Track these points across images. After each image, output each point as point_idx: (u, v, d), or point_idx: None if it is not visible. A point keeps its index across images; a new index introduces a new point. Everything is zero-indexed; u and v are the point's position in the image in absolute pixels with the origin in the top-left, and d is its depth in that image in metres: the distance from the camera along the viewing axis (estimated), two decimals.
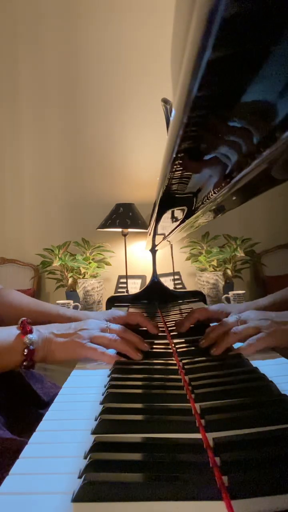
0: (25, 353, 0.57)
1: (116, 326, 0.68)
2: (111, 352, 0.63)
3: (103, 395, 0.47)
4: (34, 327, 0.61)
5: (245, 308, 0.76)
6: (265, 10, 0.15)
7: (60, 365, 0.62)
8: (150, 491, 0.28)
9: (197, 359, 0.59)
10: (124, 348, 0.63)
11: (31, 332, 0.59)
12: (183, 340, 0.72)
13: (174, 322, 0.90)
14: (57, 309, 0.81)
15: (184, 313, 1.04)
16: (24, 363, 0.57)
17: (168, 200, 0.64)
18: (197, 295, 1.29)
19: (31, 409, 0.64)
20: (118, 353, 0.64)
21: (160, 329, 0.83)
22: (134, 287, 2.24)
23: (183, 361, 0.58)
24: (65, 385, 0.53)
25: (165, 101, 0.65)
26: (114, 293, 2.01)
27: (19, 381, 0.68)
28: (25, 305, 0.82)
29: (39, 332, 0.60)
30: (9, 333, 0.58)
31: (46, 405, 0.66)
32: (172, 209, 0.78)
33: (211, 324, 0.76)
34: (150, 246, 1.36)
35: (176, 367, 0.57)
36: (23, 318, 0.61)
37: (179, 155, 0.37)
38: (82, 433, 0.38)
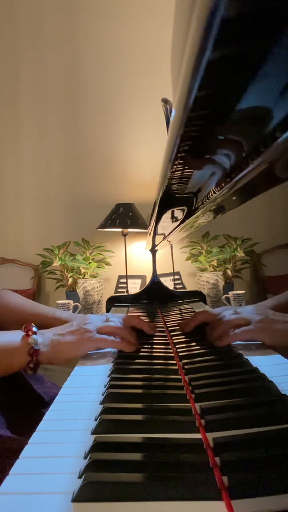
0: (30, 353, 0.57)
1: (116, 319, 0.69)
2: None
3: (103, 395, 0.47)
4: (38, 331, 0.61)
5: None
6: (265, 10, 0.15)
7: (61, 365, 0.63)
8: (150, 491, 0.28)
9: (197, 359, 0.59)
10: (128, 336, 0.64)
11: (35, 333, 0.60)
12: (183, 340, 0.72)
13: (174, 322, 0.90)
14: (53, 312, 0.81)
15: (184, 313, 1.04)
16: (30, 364, 0.58)
17: (168, 200, 0.64)
18: (197, 295, 1.29)
19: (31, 409, 0.64)
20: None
21: (160, 329, 0.83)
22: (134, 287, 2.24)
23: (183, 361, 0.58)
24: (65, 385, 0.53)
25: (165, 101, 0.65)
26: (114, 293, 2.01)
27: (19, 380, 0.68)
28: (20, 307, 0.81)
29: (43, 335, 0.61)
30: (14, 335, 0.59)
31: (46, 405, 0.66)
32: (172, 209, 0.78)
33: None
34: (150, 246, 1.36)
35: (176, 367, 0.57)
36: (27, 323, 0.61)
37: (179, 155, 0.37)
38: (82, 433, 0.38)
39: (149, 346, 0.69)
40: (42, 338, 0.60)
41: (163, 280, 1.29)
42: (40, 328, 0.65)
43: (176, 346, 0.68)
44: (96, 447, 0.33)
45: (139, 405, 0.42)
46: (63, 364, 0.62)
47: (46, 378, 0.75)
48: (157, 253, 1.37)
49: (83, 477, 0.29)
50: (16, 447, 0.47)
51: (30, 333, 0.59)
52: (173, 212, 0.80)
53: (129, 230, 2.24)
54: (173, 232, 0.98)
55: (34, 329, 0.60)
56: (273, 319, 0.64)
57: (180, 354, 0.63)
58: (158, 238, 1.25)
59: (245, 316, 0.66)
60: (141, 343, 0.69)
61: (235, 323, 0.66)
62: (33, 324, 0.61)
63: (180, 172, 0.45)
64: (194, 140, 0.33)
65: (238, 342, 0.71)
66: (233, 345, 0.67)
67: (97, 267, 2.24)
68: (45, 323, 0.72)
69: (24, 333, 0.59)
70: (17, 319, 0.62)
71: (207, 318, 0.81)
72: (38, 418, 0.42)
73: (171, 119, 0.32)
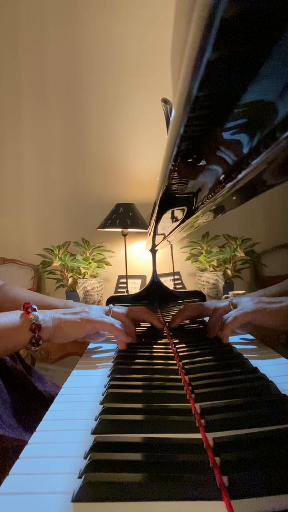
0: (31, 328, 0.59)
1: (118, 309, 0.72)
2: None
3: (103, 395, 0.47)
4: (39, 310, 0.63)
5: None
6: (265, 10, 0.15)
7: (60, 365, 0.63)
8: (150, 491, 0.28)
9: (197, 359, 0.59)
10: (119, 334, 0.66)
11: (35, 310, 0.61)
12: (183, 340, 0.72)
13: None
14: (64, 303, 0.83)
15: None
16: (33, 340, 0.59)
17: (168, 200, 0.65)
18: (197, 295, 1.29)
19: (32, 408, 0.64)
20: None
21: None
22: (134, 287, 2.24)
23: (183, 361, 0.58)
24: (65, 385, 0.53)
25: (165, 101, 0.65)
26: (114, 293, 2.01)
27: (20, 378, 0.68)
28: (29, 299, 0.82)
29: (44, 313, 0.62)
30: (14, 314, 0.60)
31: (46, 404, 0.66)
32: (172, 209, 0.78)
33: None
34: (150, 246, 1.36)
35: (176, 367, 0.57)
36: (25, 302, 0.63)
37: (179, 155, 0.37)
38: (82, 433, 0.38)
39: (149, 346, 0.69)
40: (43, 315, 0.62)
41: (163, 280, 1.29)
42: None
43: (176, 346, 0.68)
44: (96, 447, 0.33)
45: (139, 405, 0.42)
46: (62, 342, 0.63)
47: (46, 378, 0.75)
48: (157, 253, 1.37)
49: (83, 477, 0.29)
50: (16, 447, 0.47)
51: (30, 310, 0.60)
52: (173, 212, 0.80)
53: (129, 230, 2.24)
54: (173, 232, 0.98)
55: (34, 306, 0.61)
56: (269, 301, 0.67)
57: (180, 354, 0.63)
58: (158, 238, 1.25)
59: (240, 306, 0.68)
60: (141, 342, 0.70)
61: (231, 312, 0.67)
62: (31, 303, 0.62)
63: (180, 172, 0.45)
64: (194, 140, 0.33)
65: (238, 343, 0.71)
66: (233, 345, 0.67)
67: (97, 267, 2.24)
68: None
69: (23, 311, 0.60)
70: None
71: (195, 312, 0.83)
72: (38, 417, 0.42)
73: (171, 119, 0.32)
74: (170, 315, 1.03)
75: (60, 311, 0.66)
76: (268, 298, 0.69)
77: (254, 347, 0.69)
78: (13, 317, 0.59)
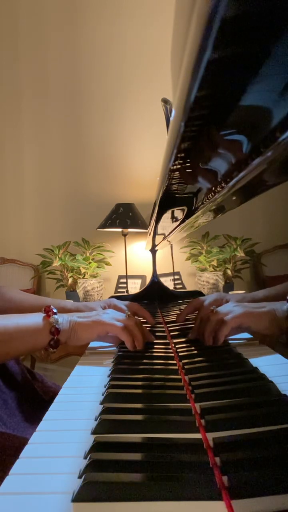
0: (52, 331, 0.61)
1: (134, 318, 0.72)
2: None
3: (103, 395, 0.47)
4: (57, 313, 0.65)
5: (242, 298, 0.80)
6: (265, 10, 0.15)
7: (60, 365, 0.64)
8: (150, 491, 0.28)
9: (197, 359, 0.59)
10: (138, 334, 0.67)
11: (55, 314, 0.63)
12: (183, 340, 0.72)
13: (174, 322, 0.90)
14: (57, 302, 0.84)
15: None
16: (51, 342, 0.61)
17: (168, 200, 0.65)
18: (197, 295, 1.29)
19: (32, 408, 0.64)
20: None
21: (160, 329, 0.83)
22: (134, 287, 2.24)
23: (183, 361, 0.58)
24: (65, 385, 0.53)
25: (165, 101, 0.65)
26: (114, 293, 2.01)
27: (20, 378, 0.68)
28: (25, 300, 0.83)
29: (62, 316, 0.65)
30: (35, 317, 0.63)
31: (46, 405, 0.66)
32: (172, 209, 0.78)
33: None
34: (150, 246, 1.36)
35: (176, 367, 0.57)
36: (46, 305, 0.65)
37: (179, 155, 0.37)
38: (82, 433, 0.38)
39: (149, 346, 0.69)
40: (62, 318, 0.64)
41: (163, 280, 1.29)
42: None
43: (176, 346, 0.68)
44: (96, 447, 0.33)
45: (139, 405, 0.42)
46: (77, 344, 0.65)
47: (46, 377, 0.75)
48: (157, 253, 1.37)
49: (83, 477, 0.29)
50: (17, 445, 0.47)
51: (50, 313, 0.63)
52: (173, 212, 0.80)
53: (129, 230, 2.24)
54: (173, 232, 0.98)
55: (54, 310, 0.64)
56: (254, 306, 0.69)
57: (180, 354, 0.63)
58: (158, 238, 1.25)
59: (225, 311, 0.68)
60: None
61: (219, 318, 0.67)
62: (52, 306, 0.64)
63: (180, 172, 0.45)
64: (194, 140, 0.33)
65: (237, 343, 0.71)
66: (233, 345, 0.67)
67: (97, 267, 2.24)
68: None
69: (44, 314, 0.63)
70: (22, 313, 0.64)
71: (197, 306, 0.83)
72: (38, 417, 0.42)
73: (171, 119, 0.32)
74: (170, 315, 1.02)
75: (76, 314, 0.68)
76: (250, 303, 0.70)
77: (254, 347, 0.69)
78: (35, 319, 0.62)
